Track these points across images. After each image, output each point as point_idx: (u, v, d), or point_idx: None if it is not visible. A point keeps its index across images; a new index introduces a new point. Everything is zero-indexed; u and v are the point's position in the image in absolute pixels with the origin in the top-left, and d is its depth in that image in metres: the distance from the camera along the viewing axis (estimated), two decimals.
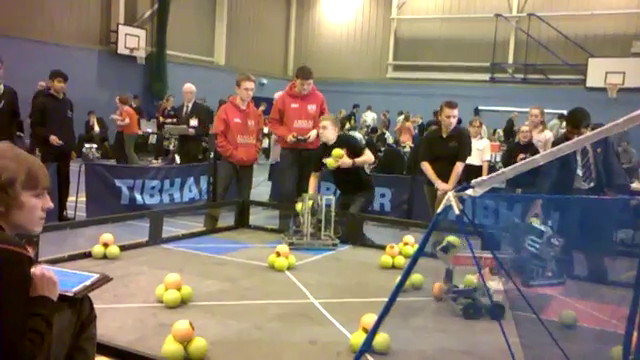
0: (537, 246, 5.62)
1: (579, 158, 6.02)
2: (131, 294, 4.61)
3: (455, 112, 6.88)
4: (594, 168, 6.00)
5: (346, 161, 6.77)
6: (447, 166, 6.81)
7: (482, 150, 9.19)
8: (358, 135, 14.01)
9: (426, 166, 7.00)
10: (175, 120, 10.61)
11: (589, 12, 21.58)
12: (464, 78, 22.98)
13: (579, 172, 6.04)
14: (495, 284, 4.57)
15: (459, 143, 6.89)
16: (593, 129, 6.15)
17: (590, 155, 5.99)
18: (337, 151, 6.72)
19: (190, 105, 9.88)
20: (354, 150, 6.95)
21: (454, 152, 6.83)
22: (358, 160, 6.85)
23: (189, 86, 9.93)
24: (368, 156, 7.04)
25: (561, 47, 21.75)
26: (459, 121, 7.26)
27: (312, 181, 7.06)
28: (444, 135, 6.95)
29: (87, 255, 5.66)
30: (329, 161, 6.75)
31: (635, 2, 21.21)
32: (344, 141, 7.12)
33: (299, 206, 6.65)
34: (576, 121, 5.96)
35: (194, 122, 9.65)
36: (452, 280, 4.67)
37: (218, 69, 22.25)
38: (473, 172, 7.63)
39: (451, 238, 4.74)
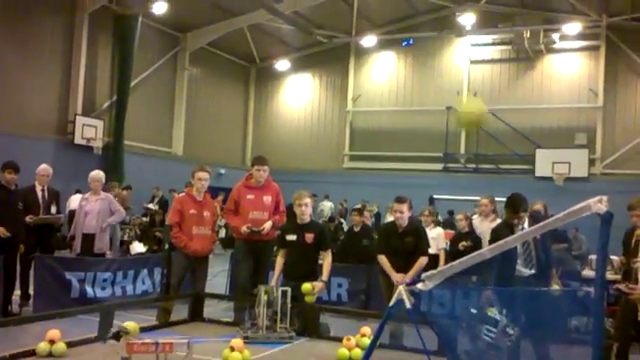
0: (493, 335, 5.64)
1: (519, 245, 6.17)
2: None
3: (403, 207, 6.82)
4: (534, 254, 6.16)
5: (321, 286, 6.79)
6: (404, 260, 6.75)
7: (436, 239, 9.31)
8: None
9: (382, 259, 6.94)
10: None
11: (534, 106, 22.72)
12: (418, 168, 23.53)
13: (519, 260, 6.16)
14: None
15: (416, 238, 6.87)
16: (531, 215, 6.40)
17: (530, 241, 6.15)
18: (306, 287, 6.60)
19: (46, 189, 8.64)
20: (323, 241, 7.00)
21: (410, 247, 6.81)
22: (328, 273, 6.87)
23: (45, 168, 8.68)
24: (330, 258, 7.03)
25: (510, 138, 22.64)
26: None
27: (279, 260, 6.98)
28: (399, 230, 6.93)
29: (31, 353, 5.40)
30: (309, 299, 6.64)
31: (575, 98, 22.46)
32: (317, 226, 7.23)
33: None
34: (515, 206, 6.19)
35: (54, 209, 8.66)
36: None
37: (176, 159, 22.32)
38: (430, 261, 7.70)
39: (126, 323, 4.61)
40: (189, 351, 4.28)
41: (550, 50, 22.83)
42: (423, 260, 6.81)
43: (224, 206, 8.68)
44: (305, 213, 6.93)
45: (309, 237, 6.86)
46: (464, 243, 7.73)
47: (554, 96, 22.74)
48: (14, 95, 17.04)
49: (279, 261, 6.99)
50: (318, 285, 6.73)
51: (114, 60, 20.02)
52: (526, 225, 6.11)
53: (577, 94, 22.48)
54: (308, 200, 6.98)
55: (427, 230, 9.19)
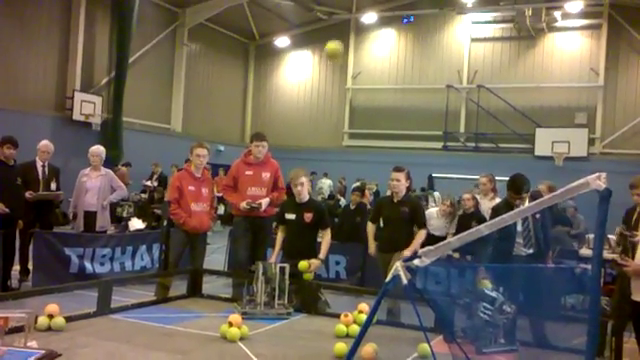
0: (489, 313, 5.67)
1: (519, 224, 6.19)
2: None
3: (400, 176, 6.87)
4: (534, 234, 6.17)
5: (317, 263, 6.82)
6: (396, 230, 6.80)
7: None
8: None
9: (369, 227, 7.11)
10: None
11: (534, 85, 22.61)
12: (418, 146, 23.51)
13: (519, 239, 6.19)
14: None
15: (411, 209, 6.89)
16: (532, 195, 6.41)
17: (530, 221, 6.17)
18: (303, 264, 6.64)
19: (46, 165, 8.61)
20: (321, 220, 7.00)
21: (405, 216, 6.83)
22: (325, 250, 6.90)
23: (46, 144, 8.63)
24: (329, 236, 7.05)
25: (510, 117, 22.57)
26: (408, 189, 7.20)
27: (279, 236, 7.04)
28: (395, 200, 7.00)
29: None
30: (307, 276, 6.71)
31: (576, 77, 22.34)
32: (316, 206, 7.19)
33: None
34: (517, 187, 6.20)
35: (54, 185, 8.61)
36: None
37: (175, 136, 22.26)
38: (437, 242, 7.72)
39: None
40: (30, 325, 4.05)
41: (552, 28, 22.63)
42: (422, 233, 6.82)
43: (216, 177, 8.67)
44: (302, 193, 6.94)
45: (308, 216, 6.89)
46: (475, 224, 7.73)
47: (555, 75, 22.61)
48: (12, 71, 16.94)
49: (279, 237, 7.03)
50: (314, 263, 6.76)
51: (112, 35, 19.83)
52: (526, 204, 6.12)
53: (578, 73, 22.35)
54: (304, 179, 6.97)
55: (442, 219, 9.12)
